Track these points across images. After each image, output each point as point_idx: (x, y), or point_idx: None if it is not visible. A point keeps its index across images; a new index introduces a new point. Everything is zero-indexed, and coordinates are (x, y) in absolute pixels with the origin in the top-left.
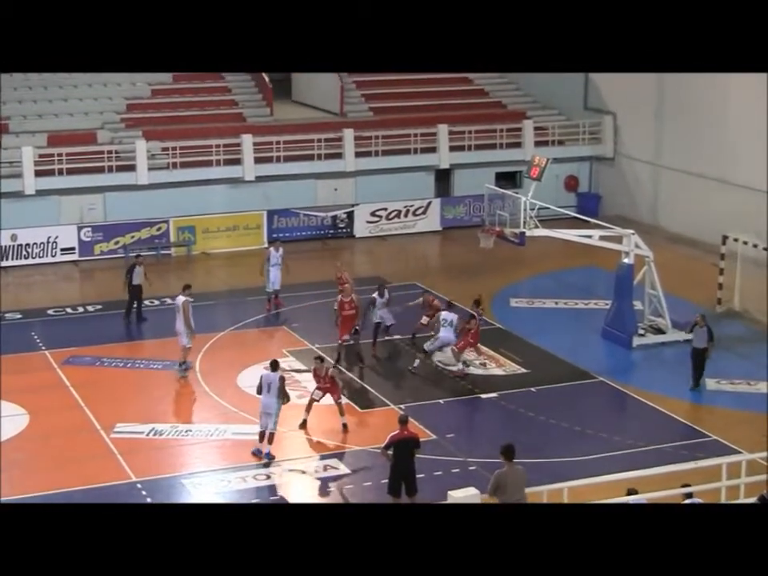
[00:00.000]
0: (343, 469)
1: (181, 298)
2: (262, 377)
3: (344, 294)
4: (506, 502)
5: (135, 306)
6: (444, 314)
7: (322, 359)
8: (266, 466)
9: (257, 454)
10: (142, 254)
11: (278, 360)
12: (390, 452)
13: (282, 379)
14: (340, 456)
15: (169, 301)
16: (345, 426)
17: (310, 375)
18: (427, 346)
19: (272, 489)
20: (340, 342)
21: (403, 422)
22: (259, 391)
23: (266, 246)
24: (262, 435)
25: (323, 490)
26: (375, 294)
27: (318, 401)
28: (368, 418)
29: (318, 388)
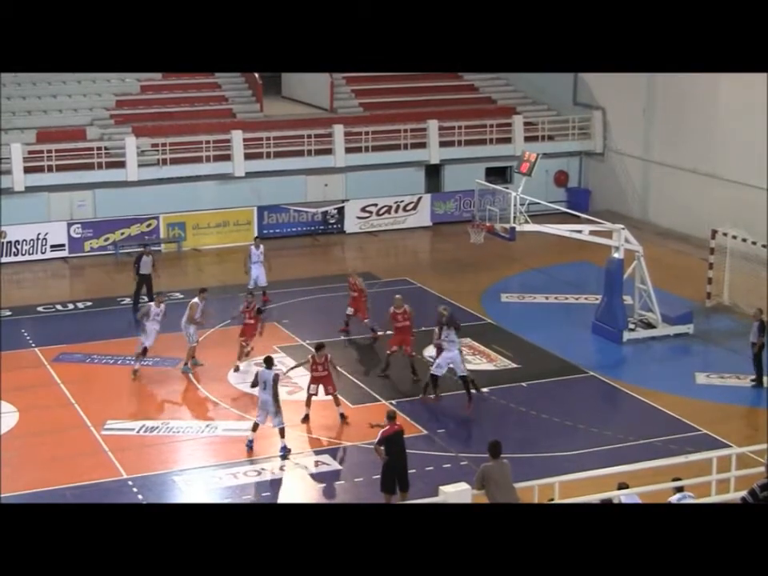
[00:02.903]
0: (335, 465)
1: (193, 300)
2: (257, 373)
3: (396, 304)
4: (496, 495)
5: (145, 295)
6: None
7: (322, 346)
8: (284, 458)
9: (249, 446)
10: (135, 249)
11: (272, 356)
12: (383, 448)
13: (276, 378)
14: (332, 452)
15: None
16: (342, 415)
17: (300, 371)
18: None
19: (263, 485)
20: (388, 352)
21: (391, 417)
22: (254, 385)
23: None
24: (255, 427)
25: (315, 487)
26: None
27: (315, 394)
28: (359, 414)
29: (312, 381)
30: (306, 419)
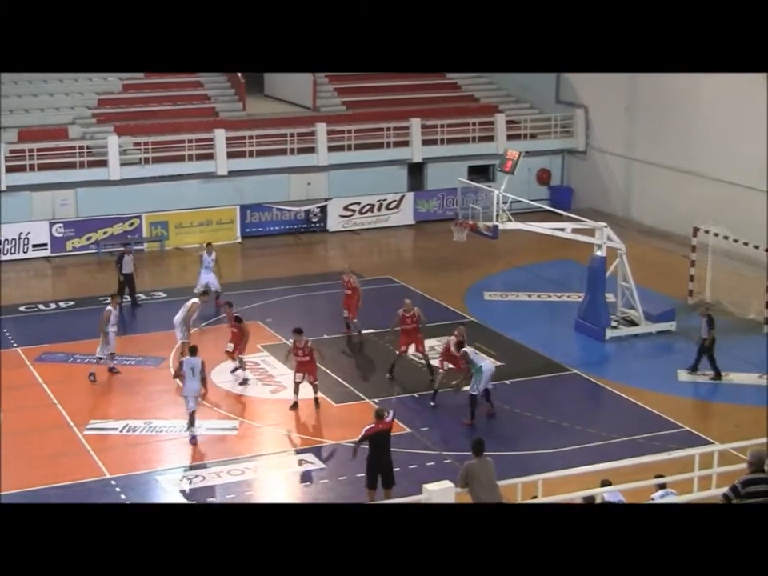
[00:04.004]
0: (318, 463)
1: (194, 300)
2: (182, 362)
3: (405, 308)
4: (480, 493)
5: (128, 294)
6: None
7: (300, 331)
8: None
9: (194, 438)
10: (117, 248)
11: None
12: (362, 445)
13: (204, 363)
14: (315, 451)
15: (143, 296)
16: (316, 400)
17: (283, 369)
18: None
19: (246, 484)
20: (398, 353)
21: (379, 416)
22: (177, 374)
23: (239, 240)
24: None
25: (298, 486)
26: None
27: (302, 382)
28: (343, 413)
29: (297, 368)
30: (294, 406)
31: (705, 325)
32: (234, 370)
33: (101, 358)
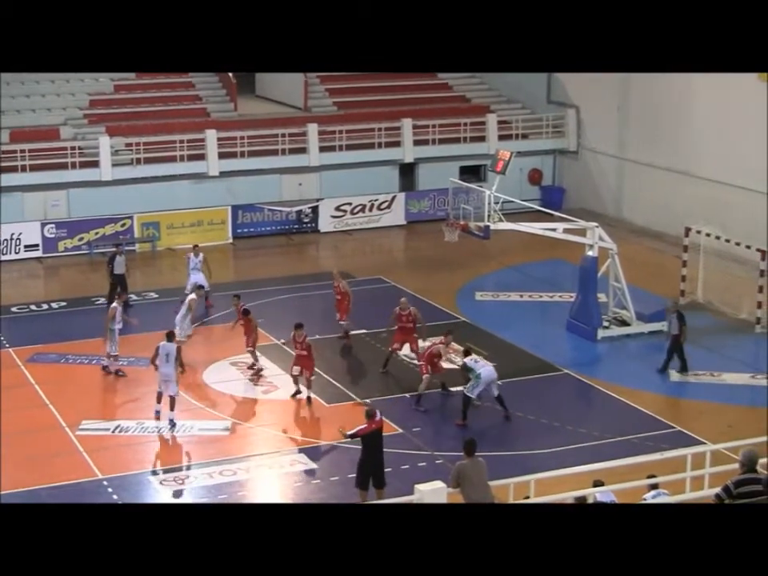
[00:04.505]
0: (310, 464)
1: (191, 296)
2: (158, 347)
3: (401, 306)
4: (471, 493)
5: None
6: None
7: (300, 325)
8: (172, 427)
9: (158, 413)
10: (109, 249)
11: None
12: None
13: (179, 349)
14: (307, 451)
15: (134, 297)
16: (309, 399)
17: (275, 370)
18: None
19: (239, 485)
20: (390, 350)
21: (370, 416)
22: (153, 360)
23: (231, 241)
24: (159, 396)
25: (290, 486)
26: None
27: (300, 375)
28: (335, 413)
29: (294, 361)
30: (296, 394)
31: (675, 321)
32: (250, 366)
33: (115, 355)
